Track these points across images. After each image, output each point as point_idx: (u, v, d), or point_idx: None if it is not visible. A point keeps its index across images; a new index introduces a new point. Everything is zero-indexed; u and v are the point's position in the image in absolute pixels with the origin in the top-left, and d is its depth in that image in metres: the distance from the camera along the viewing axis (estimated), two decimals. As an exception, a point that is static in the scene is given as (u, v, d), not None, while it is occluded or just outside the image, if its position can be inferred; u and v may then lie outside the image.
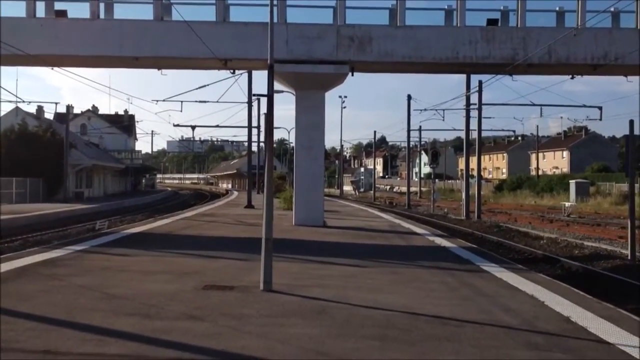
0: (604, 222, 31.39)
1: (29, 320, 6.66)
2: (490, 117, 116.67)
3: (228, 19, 19.66)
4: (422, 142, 76.12)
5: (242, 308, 7.49)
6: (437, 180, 61.11)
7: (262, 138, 41.48)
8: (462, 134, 38.41)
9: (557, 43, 18.59)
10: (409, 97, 50.34)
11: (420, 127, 60.45)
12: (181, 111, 69.63)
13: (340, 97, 74.70)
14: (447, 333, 6.44)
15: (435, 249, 14.90)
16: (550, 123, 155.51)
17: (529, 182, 69.60)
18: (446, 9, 19.88)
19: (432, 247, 15.49)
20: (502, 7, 19.96)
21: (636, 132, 15.91)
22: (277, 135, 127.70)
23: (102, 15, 19.57)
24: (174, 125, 75.41)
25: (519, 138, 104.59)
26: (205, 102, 33.72)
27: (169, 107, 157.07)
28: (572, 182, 54.67)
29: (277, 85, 20.14)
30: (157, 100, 31.15)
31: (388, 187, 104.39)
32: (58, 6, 19.48)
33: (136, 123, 75.76)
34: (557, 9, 20.01)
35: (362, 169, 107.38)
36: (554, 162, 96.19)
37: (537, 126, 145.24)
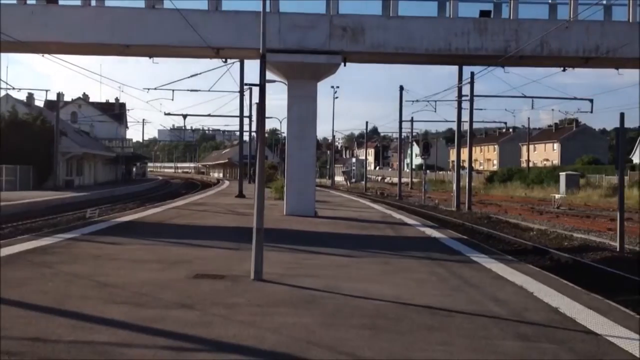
0: (593, 214, 31.63)
1: (19, 308, 6.64)
2: (482, 109, 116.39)
3: (220, 7, 19.56)
4: (414, 134, 76.25)
5: (233, 297, 7.50)
6: (428, 171, 61.22)
7: (253, 128, 41.34)
8: (454, 126, 38.45)
9: (549, 35, 18.65)
10: (401, 88, 50.36)
11: (412, 118, 60.37)
12: (172, 100, 69.19)
13: (332, 87, 74.80)
14: (436, 323, 6.49)
15: (426, 240, 14.94)
16: (541, 115, 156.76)
17: (519, 174, 69.91)
18: (439, 0, 19.87)
19: (423, 237, 15.54)
20: (494, -1, 19.99)
21: (627, 124, 16.03)
22: (269, 125, 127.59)
23: (93, 3, 19.44)
24: (165, 114, 74.83)
25: (511, 130, 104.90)
26: (196, 91, 33.46)
27: (161, 96, 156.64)
28: (562, 174, 54.97)
29: (269, 75, 20.07)
30: (149, 89, 31.18)
31: (379, 177, 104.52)
32: (49, -7, 19.31)
33: (127, 111, 75.53)
34: (550, 1, 20.07)
35: (354, 160, 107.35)
36: (545, 154, 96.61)
37: (529, 118, 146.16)
